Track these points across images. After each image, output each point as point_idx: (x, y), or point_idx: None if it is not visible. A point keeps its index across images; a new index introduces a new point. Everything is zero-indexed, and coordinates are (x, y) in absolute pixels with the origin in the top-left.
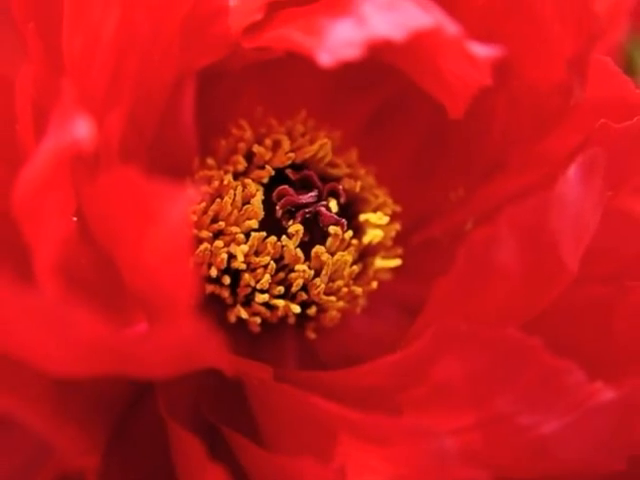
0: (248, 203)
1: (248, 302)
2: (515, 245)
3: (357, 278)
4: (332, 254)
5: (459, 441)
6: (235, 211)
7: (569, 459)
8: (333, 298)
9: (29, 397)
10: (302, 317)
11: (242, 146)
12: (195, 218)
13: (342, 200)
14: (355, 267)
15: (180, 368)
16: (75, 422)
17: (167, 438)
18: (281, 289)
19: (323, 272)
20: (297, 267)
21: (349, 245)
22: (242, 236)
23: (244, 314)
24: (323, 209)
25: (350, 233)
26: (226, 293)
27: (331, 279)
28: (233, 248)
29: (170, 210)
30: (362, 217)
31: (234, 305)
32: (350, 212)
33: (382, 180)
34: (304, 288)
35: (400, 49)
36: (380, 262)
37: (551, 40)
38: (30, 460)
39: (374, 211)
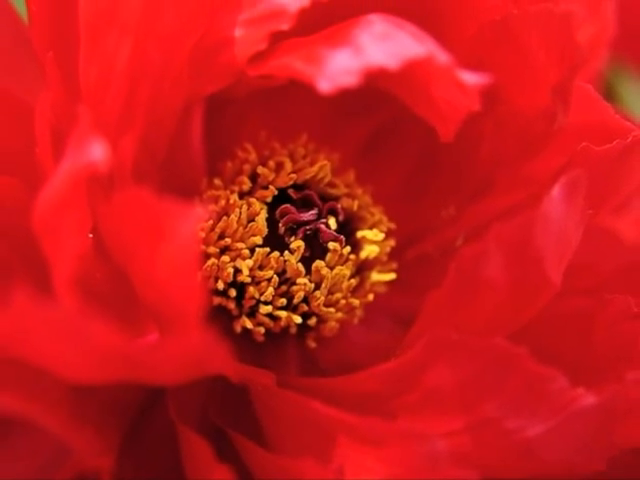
0: (253, 221)
1: (253, 313)
2: (502, 260)
3: (354, 291)
4: (331, 268)
5: (449, 443)
6: (240, 228)
7: (553, 460)
8: (332, 309)
9: (48, 403)
10: (303, 327)
11: (247, 167)
12: (203, 235)
13: (340, 218)
14: (353, 280)
15: (189, 375)
16: (91, 425)
17: (177, 440)
18: (284, 301)
19: (323, 285)
20: (299, 280)
21: (347, 260)
22: (247, 251)
23: (249, 324)
24: (323, 226)
25: (348, 249)
26: (232, 305)
27: (330, 292)
28: (239, 263)
29: (180, 227)
30: (359, 234)
31: (240, 316)
32: (348, 229)
33: (378, 199)
34: (305, 300)
35: (395, 77)
36: (376, 276)
37: (536, 69)
38: (50, 461)
39: (370, 228)
